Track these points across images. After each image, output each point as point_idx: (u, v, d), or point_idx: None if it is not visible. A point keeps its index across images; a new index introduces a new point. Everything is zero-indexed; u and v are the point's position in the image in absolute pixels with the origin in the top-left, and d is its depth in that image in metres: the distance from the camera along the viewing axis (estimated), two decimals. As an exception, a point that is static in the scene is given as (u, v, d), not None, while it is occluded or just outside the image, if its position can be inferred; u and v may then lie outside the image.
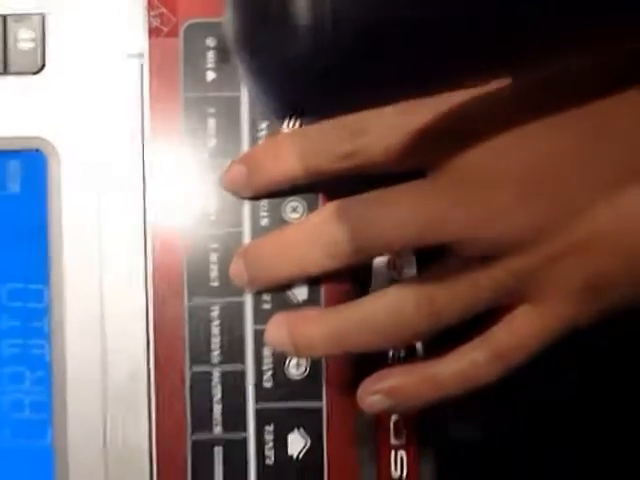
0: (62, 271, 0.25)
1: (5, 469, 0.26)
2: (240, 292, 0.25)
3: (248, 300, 0.25)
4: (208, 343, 0.25)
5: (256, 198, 0.24)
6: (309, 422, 0.25)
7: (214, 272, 0.25)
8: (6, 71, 0.26)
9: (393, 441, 0.25)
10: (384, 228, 0.22)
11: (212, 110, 0.25)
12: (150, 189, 0.25)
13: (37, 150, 0.26)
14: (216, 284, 0.25)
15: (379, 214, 0.22)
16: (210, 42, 0.25)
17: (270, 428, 0.25)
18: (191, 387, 0.25)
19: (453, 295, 0.21)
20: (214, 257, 0.25)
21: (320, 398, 0.25)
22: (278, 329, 0.23)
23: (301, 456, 0.25)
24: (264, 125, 0.25)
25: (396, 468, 0.25)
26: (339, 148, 0.22)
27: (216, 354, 0.25)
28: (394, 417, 0.25)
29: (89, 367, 0.25)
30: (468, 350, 0.22)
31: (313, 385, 0.25)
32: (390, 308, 0.22)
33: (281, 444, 0.25)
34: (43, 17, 0.25)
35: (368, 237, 0.21)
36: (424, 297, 0.21)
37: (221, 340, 0.25)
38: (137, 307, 0.25)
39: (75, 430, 0.25)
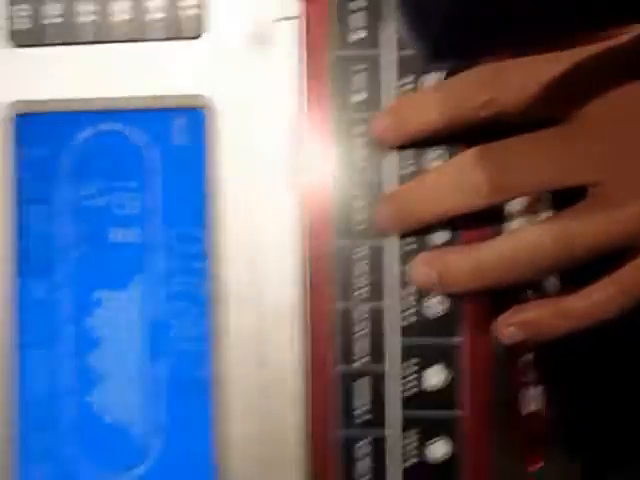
0: (220, 216, 0.28)
1: (168, 398, 0.29)
2: (384, 235, 0.27)
3: (392, 242, 0.27)
4: (352, 282, 0.27)
5: (400, 148, 0.26)
6: (448, 357, 0.27)
7: (360, 216, 0.27)
8: (172, 36, 0.29)
9: (526, 378, 0.26)
10: (524, 172, 0.23)
11: (359, 67, 0.27)
12: (303, 143, 0.27)
13: (200, 108, 0.28)
14: (362, 227, 0.27)
15: (519, 158, 0.23)
16: (360, 3, 0.27)
17: (410, 362, 0.27)
18: (337, 322, 0.27)
19: (590, 231, 0.22)
20: (360, 203, 0.27)
21: (459, 334, 0.27)
22: (423, 266, 0.25)
23: (438, 389, 0.27)
24: (408, 80, 0.27)
25: (529, 404, 0.26)
26: (479, 97, 0.24)
27: (363, 291, 0.27)
28: (528, 355, 0.26)
29: (245, 303, 0.28)
30: (598, 287, 0.23)
31: (453, 322, 0.27)
32: (529, 242, 0.23)
33: (421, 378, 0.27)
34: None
35: (508, 180, 0.23)
36: (562, 232, 0.23)
37: (366, 279, 0.27)
38: (290, 247, 0.27)
39: (232, 360, 0.28)
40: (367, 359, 0.27)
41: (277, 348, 0.27)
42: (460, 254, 0.25)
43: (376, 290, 0.27)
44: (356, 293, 0.27)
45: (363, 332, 0.27)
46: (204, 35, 0.28)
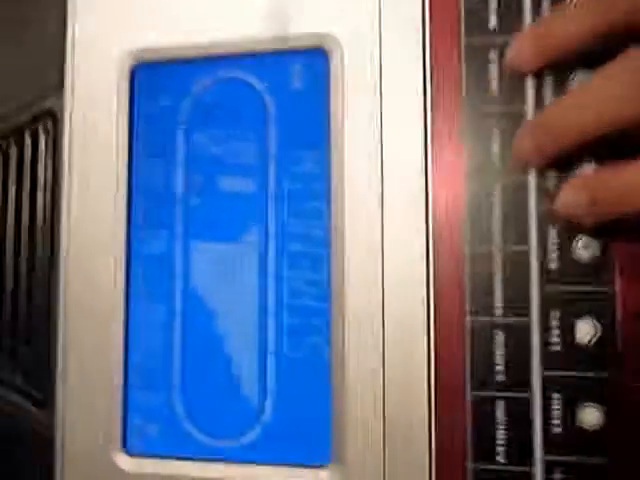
0: (343, 166, 0.26)
1: (282, 358, 0.27)
2: (522, 173, 0.24)
3: (531, 181, 0.24)
4: (489, 226, 0.24)
5: (542, 69, 0.24)
6: (599, 308, 0.23)
7: (495, 154, 0.24)
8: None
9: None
10: None
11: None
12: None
13: (321, 48, 0.27)
14: (498, 165, 0.24)
15: None
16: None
17: (556, 313, 0.23)
18: (471, 270, 0.24)
19: None
20: (497, 135, 0.24)
21: (612, 283, 0.23)
22: (572, 191, 0.22)
23: (591, 344, 0.23)
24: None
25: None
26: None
27: (498, 236, 0.24)
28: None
29: (368, 255, 0.25)
30: None
31: (604, 268, 0.23)
32: None
33: (568, 331, 0.23)
34: None
35: None
36: None
37: (503, 223, 0.24)
38: (417, 194, 0.25)
39: (353, 303, 0.25)
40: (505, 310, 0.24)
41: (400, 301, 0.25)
42: (612, 173, 0.21)
43: (516, 233, 0.24)
44: (494, 237, 0.24)
45: (501, 280, 0.24)
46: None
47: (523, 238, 0.24)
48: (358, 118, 0.26)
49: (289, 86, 0.28)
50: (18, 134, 0.30)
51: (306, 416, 0.26)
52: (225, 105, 0.28)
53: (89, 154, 0.29)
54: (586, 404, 0.23)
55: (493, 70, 0.25)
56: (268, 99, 0.28)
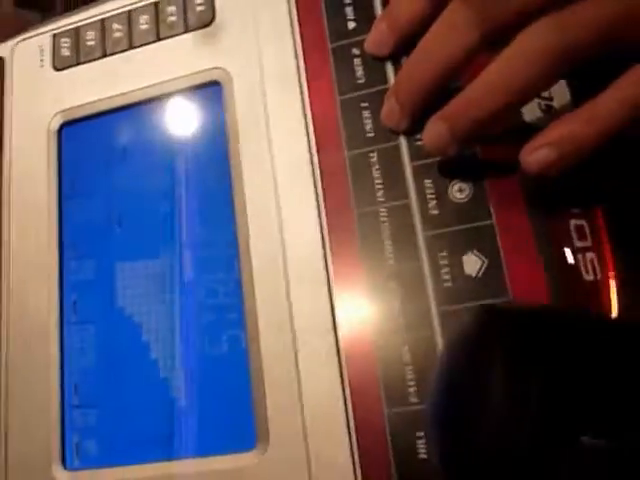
0: (242, 183, 0.29)
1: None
2: (394, 137, 0.26)
3: (402, 142, 0.26)
4: (372, 186, 0.26)
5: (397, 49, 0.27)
6: (482, 242, 0.24)
7: (368, 124, 0.27)
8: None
9: (577, 244, 0.24)
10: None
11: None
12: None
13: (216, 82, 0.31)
14: (371, 135, 0.27)
15: None
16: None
17: (443, 254, 0.25)
18: (360, 226, 0.26)
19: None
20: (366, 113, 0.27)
21: (489, 217, 0.25)
22: (431, 125, 0.24)
23: (480, 275, 0.24)
24: None
25: (587, 272, 0.23)
26: None
27: (380, 194, 0.26)
28: (573, 220, 0.24)
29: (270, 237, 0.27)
30: (615, 88, 0.21)
31: (480, 206, 0.25)
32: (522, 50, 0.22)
33: (457, 266, 0.24)
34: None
35: (494, 8, 0.23)
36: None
37: (383, 181, 0.26)
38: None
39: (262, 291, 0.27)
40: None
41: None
42: (461, 96, 0.24)
43: (396, 189, 0.26)
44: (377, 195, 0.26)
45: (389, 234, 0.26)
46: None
47: (403, 193, 0.26)
48: (250, 137, 0.29)
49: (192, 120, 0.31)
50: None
51: (229, 407, 0.27)
52: (139, 144, 0.32)
53: (25, 199, 0.32)
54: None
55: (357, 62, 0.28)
56: (175, 134, 0.31)
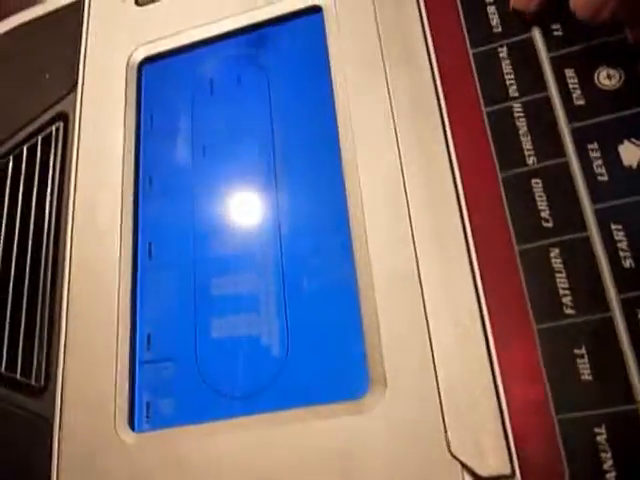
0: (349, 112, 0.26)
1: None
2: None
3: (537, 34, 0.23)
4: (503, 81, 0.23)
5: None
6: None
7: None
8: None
9: None
10: None
11: None
12: None
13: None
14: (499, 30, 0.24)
15: None
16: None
17: (594, 145, 0.21)
18: (491, 125, 0.23)
19: None
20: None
21: None
22: None
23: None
24: None
25: None
26: None
27: (513, 88, 0.23)
28: None
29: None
30: None
31: (632, 93, 0.21)
32: None
33: (613, 158, 0.21)
34: None
35: None
36: None
37: (515, 76, 0.23)
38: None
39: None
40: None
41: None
42: None
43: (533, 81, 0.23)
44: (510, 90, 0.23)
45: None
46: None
47: (542, 85, 0.23)
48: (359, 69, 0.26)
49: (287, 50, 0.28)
50: (30, 140, 0.31)
51: (336, 350, 0.23)
52: (228, 80, 0.29)
53: (101, 134, 0.29)
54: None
55: None
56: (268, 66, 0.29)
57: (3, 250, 0.28)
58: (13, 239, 0.28)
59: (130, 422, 0.24)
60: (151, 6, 0.32)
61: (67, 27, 0.33)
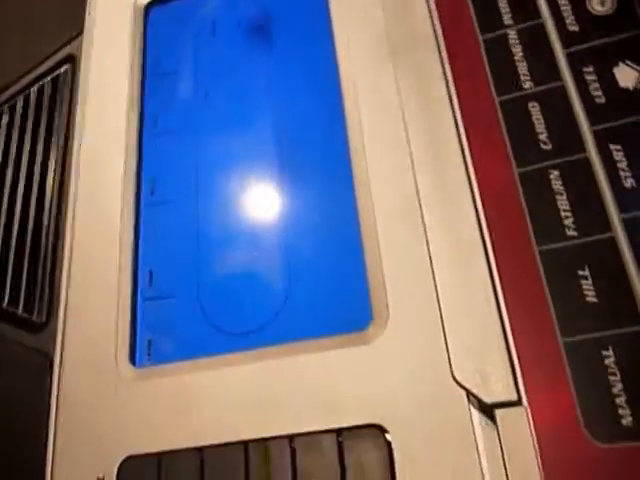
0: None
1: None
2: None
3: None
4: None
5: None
6: (636, 52, 0.21)
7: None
8: None
9: None
10: None
11: None
12: None
13: None
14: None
15: None
16: None
17: (589, 69, 0.21)
18: (488, 53, 0.22)
19: None
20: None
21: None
22: None
23: (637, 89, 0.20)
24: None
25: None
26: None
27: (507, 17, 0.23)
28: None
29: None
30: None
31: (625, 17, 0.21)
32: None
33: (608, 80, 0.21)
34: None
35: None
36: None
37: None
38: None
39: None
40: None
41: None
42: None
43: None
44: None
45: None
46: None
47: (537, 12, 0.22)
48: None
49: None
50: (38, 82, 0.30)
51: (334, 286, 0.22)
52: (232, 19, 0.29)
53: (107, 73, 0.29)
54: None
55: None
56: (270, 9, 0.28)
57: (10, 187, 0.28)
58: (19, 178, 0.28)
59: (131, 358, 0.24)
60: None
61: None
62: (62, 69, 0.30)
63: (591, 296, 0.18)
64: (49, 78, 0.30)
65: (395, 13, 0.24)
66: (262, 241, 0.24)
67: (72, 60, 0.30)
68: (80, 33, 0.30)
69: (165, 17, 0.30)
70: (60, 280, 0.25)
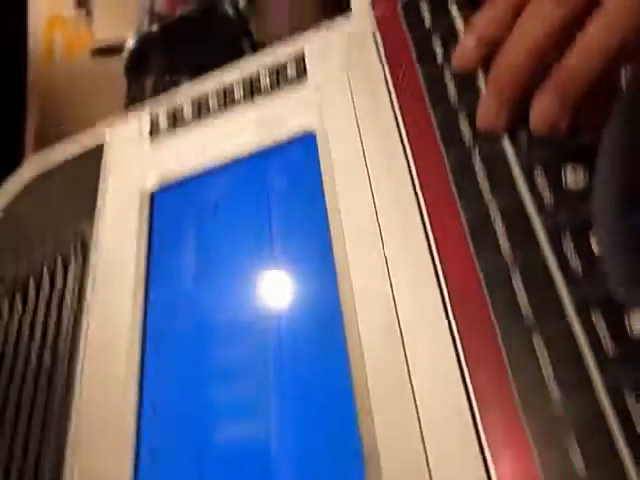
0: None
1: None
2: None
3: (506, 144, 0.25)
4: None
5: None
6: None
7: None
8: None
9: None
10: None
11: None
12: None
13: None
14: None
15: None
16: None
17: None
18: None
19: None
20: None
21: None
22: (541, 99, 0.24)
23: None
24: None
25: None
26: None
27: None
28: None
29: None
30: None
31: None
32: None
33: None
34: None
35: None
36: None
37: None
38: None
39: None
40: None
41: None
42: (561, 71, 0.23)
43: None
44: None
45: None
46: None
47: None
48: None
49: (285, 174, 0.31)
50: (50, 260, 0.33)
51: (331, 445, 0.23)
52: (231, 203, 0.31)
53: (114, 258, 0.32)
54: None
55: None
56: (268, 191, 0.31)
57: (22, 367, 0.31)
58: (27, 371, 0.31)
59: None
60: (163, 142, 0.35)
61: (89, 167, 0.37)
62: (72, 247, 0.33)
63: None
64: (60, 257, 0.33)
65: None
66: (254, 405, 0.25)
67: (82, 240, 0.33)
68: (90, 216, 0.34)
69: (171, 198, 0.33)
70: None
